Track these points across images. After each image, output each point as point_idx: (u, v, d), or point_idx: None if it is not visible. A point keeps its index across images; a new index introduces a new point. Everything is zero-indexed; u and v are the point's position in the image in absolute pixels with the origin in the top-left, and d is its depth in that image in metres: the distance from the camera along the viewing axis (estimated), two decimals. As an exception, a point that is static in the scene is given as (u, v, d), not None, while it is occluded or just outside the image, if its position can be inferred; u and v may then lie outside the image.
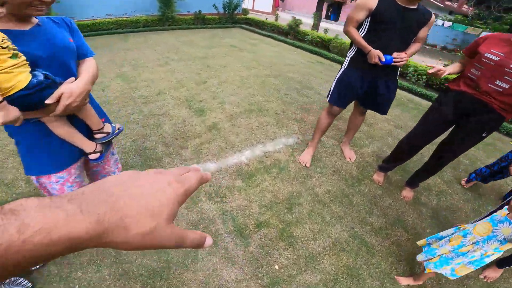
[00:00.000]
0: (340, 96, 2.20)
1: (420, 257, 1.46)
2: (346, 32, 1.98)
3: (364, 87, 2.12)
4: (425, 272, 1.43)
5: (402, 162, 2.33)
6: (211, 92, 3.80)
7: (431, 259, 1.38)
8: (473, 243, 1.22)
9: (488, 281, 1.74)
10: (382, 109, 2.21)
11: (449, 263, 1.30)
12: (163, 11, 8.07)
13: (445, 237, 1.37)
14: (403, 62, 1.86)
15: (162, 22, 8.22)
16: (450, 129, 1.96)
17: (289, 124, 3.19)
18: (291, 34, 8.37)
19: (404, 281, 1.64)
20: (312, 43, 7.62)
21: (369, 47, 1.86)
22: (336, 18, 21.62)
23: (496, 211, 1.25)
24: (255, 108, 3.47)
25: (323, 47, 7.44)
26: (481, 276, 1.75)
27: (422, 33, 1.89)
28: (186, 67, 4.78)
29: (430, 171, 2.15)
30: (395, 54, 1.84)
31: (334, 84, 2.20)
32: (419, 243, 1.51)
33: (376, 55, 1.82)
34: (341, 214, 2.06)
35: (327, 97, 2.27)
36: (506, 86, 1.55)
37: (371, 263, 1.75)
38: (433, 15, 1.85)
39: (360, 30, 1.95)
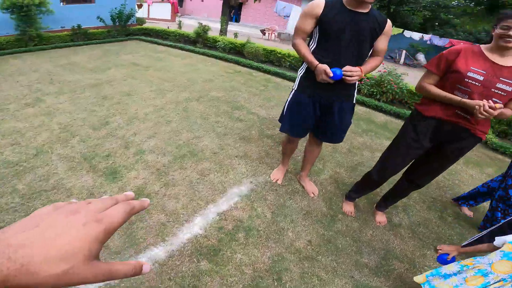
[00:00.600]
0: (293, 126, 1.92)
1: None
2: (293, 45, 1.73)
3: (317, 113, 1.80)
4: None
5: (372, 191, 2.09)
6: (120, 139, 2.81)
7: None
8: (500, 280, 1.14)
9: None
10: (337, 138, 1.93)
11: None
12: (23, 29, 6.16)
13: (450, 275, 1.29)
14: (355, 78, 1.54)
15: (24, 42, 6.27)
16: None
17: (233, 165, 2.58)
18: (200, 42, 7.68)
19: None
20: (225, 50, 7.13)
21: (316, 62, 1.59)
22: (238, 19, 21.84)
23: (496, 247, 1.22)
24: (186, 151, 2.71)
25: (236, 53, 7.05)
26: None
27: (380, 44, 1.63)
28: (72, 103, 3.54)
29: (402, 195, 1.99)
30: (346, 68, 1.53)
31: (285, 110, 1.92)
32: (417, 280, 1.42)
33: (323, 70, 1.54)
34: (334, 265, 1.77)
35: (279, 120, 2.00)
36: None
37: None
38: (389, 21, 1.58)
39: (310, 43, 1.70)
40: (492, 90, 1.38)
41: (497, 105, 1.31)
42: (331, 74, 1.53)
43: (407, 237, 2.06)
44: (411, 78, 5.06)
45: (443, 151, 1.64)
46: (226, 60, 6.57)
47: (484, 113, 1.31)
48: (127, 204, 0.30)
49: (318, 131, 1.97)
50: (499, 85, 1.37)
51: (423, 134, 1.62)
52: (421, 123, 1.62)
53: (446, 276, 1.30)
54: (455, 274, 1.28)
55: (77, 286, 0.24)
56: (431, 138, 1.62)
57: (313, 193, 2.32)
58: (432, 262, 1.88)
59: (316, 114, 1.83)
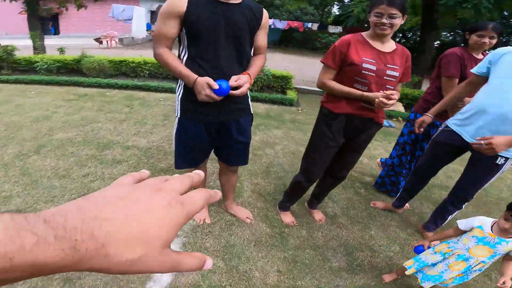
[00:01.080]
0: (185, 159, 1.57)
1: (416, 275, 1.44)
2: (156, 57, 1.33)
3: (214, 136, 1.50)
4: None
5: (304, 193, 2.01)
6: None
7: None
8: (480, 263, 1.25)
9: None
10: (243, 160, 1.69)
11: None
12: None
13: (436, 264, 1.36)
14: (245, 90, 1.31)
15: None
16: None
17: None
18: (6, 67, 5.45)
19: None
20: (51, 71, 5.37)
21: (193, 75, 1.26)
22: (56, 31, 17.77)
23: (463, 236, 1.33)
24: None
25: (71, 72, 5.49)
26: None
27: (260, 39, 1.42)
28: None
29: (331, 188, 2.00)
30: (233, 79, 1.28)
31: (174, 143, 1.56)
32: (407, 263, 1.48)
33: (205, 84, 1.23)
34: (316, 283, 1.62)
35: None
36: None
37: None
38: (265, 11, 1.39)
39: (180, 52, 1.35)
40: (385, 78, 1.44)
41: (388, 92, 1.37)
42: (217, 86, 1.22)
43: (348, 225, 2.11)
44: (270, 62, 5.42)
45: (354, 144, 1.68)
46: (58, 84, 4.96)
47: (382, 105, 1.37)
48: (206, 191, 0.28)
49: (222, 156, 1.68)
50: (388, 72, 1.44)
51: (338, 132, 1.61)
52: (334, 121, 1.58)
53: (433, 265, 1.37)
54: (440, 262, 1.34)
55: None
56: (344, 133, 1.63)
57: (247, 217, 2.00)
58: (381, 241, 1.99)
59: (213, 138, 1.52)
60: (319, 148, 1.67)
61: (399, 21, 1.36)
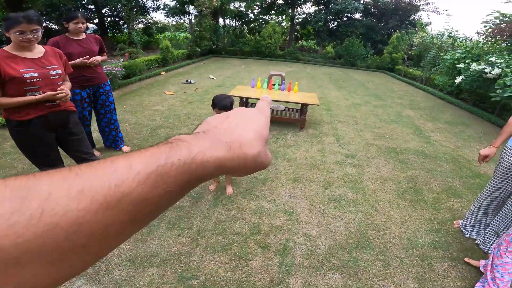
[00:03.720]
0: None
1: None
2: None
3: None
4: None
5: None
6: None
7: None
8: None
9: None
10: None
11: None
12: None
13: None
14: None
15: None
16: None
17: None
18: None
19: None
20: None
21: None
22: None
23: None
24: None
25: None
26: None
27: None
28: None
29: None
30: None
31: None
32: None
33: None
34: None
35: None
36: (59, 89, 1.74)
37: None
38: None
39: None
40: (51, 78, 1.70)
41: (59, 89, 1.71)
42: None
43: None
44: None
45: (67, 132, 1.93)
46: None
47: (57, 98, 1.71)
48: (267, 102, 0.36)
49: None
50: (52, 72, 1.70)
51: (42, 134, 1.79)
52: (29, 126, 1.72)
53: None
54: None
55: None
56: (49, 130, 1.83)
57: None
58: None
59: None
60: (38, 156, 1.86)
61: (40, 33, 1.60)
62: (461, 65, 6.33)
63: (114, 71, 5.54)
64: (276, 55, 13.81)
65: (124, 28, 13.56)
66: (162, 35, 15.00)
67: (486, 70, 5.35)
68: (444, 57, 7.23)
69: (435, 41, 10.63)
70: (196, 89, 6.47)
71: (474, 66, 5.74)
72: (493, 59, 5.40)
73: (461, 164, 3.56)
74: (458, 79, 6.33)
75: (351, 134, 4.32)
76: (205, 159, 0.23)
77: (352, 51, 13.13)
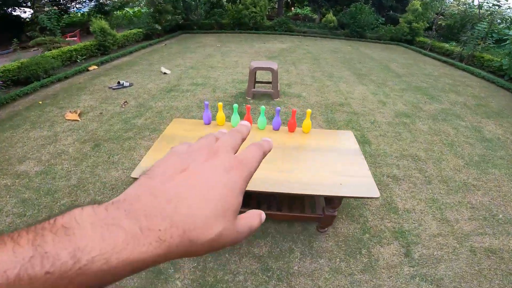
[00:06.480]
0: None
1: None
2: None
3: None
4: None
5: None
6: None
7: None
8: None
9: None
10: None
11: None
12: None
13: None
14: None
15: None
16: None
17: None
18: None
19: None
20: None
21: None
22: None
23: None
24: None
25: None
26: None
27: None
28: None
29: None
30: None
31: None
32: None
33: None
34: None
35: None
36: None
37: None
38: None
39: None
40: None
41: None
42: None
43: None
44: None
45: None
46: None
47: None
48: (259, 146, 0.26)
49: None
50: None
51: None
52: None
53: None
54: None
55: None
56: None
57: None
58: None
59: None
60: None
61: None
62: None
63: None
64: (264, 27, 10.85)
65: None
66: (119, 12, 11.64)
67: None
68: (510, 32, 4.86)
69: (482, 11, 7.83)
70: (125, 102, 3.76)
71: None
72: None
73: None
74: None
75: (433, 230, 1.87)
76: (105, 267, 0.16)
77: (360, 19, 10.27)
